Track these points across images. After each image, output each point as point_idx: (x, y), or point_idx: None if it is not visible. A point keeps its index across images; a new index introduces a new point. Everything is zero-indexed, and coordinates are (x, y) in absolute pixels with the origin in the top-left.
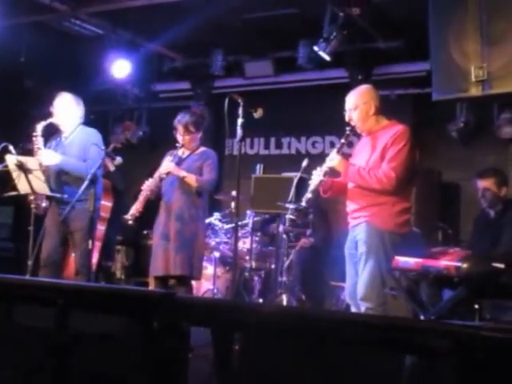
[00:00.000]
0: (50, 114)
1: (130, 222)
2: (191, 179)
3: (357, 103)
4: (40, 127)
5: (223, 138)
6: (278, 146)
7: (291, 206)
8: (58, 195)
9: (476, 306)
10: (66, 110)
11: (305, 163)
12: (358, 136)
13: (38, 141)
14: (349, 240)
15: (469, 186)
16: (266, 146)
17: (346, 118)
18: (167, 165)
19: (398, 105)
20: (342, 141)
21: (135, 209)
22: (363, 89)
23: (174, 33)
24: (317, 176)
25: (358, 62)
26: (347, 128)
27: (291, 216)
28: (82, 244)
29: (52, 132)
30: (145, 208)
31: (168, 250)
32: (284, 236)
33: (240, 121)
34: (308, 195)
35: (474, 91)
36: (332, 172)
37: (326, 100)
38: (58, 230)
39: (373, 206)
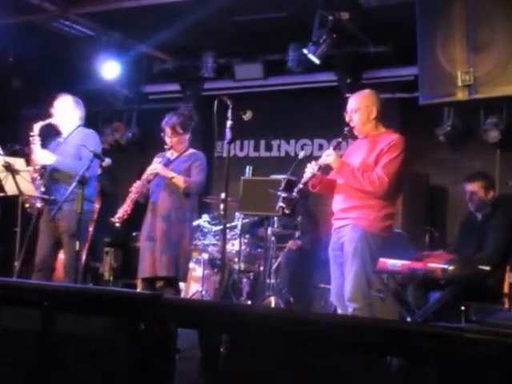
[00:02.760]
0: (49, 115)
1: (117, 225)
2: (179, 180)
3: (359, 106)
4: (37, 127)
5: (213, 140)
6: (268, 148)
7: (283, 194)
8: (46, 196)
9: (462, 308)
10: (65, 111)
11: (302, 155)
12: (353, 138)
13: (36, 140)
14: (333, 241)
15: (456, 190)
16: (256, 149)
17: (347, 119)
18: (154, 166)
19: (385, 109)
20: (339, 139)
21: (122, 211)
22: (367, 92)
23: (164, 35)
24: (311, 169)
25: (347, 65)
26: (345, 128)
27: (281, 204)
28: (70, 245)
29: (51, 133)
30: (133, 210)
31: (155, 251)
32: (272, 238)
33: (229, 123)
34: (300, 186)
35: (461, 96)
36: (325, 168)
37: (315, 103)
38: (49, 231)
39: (360, 207)
